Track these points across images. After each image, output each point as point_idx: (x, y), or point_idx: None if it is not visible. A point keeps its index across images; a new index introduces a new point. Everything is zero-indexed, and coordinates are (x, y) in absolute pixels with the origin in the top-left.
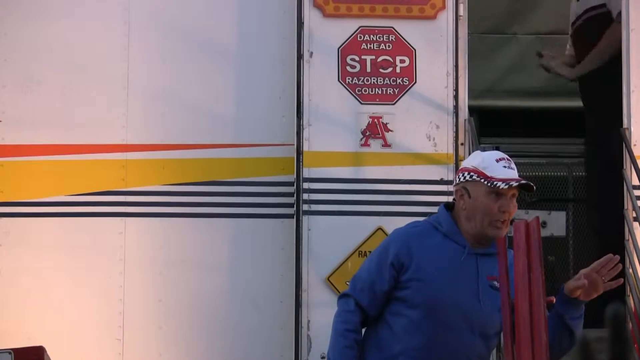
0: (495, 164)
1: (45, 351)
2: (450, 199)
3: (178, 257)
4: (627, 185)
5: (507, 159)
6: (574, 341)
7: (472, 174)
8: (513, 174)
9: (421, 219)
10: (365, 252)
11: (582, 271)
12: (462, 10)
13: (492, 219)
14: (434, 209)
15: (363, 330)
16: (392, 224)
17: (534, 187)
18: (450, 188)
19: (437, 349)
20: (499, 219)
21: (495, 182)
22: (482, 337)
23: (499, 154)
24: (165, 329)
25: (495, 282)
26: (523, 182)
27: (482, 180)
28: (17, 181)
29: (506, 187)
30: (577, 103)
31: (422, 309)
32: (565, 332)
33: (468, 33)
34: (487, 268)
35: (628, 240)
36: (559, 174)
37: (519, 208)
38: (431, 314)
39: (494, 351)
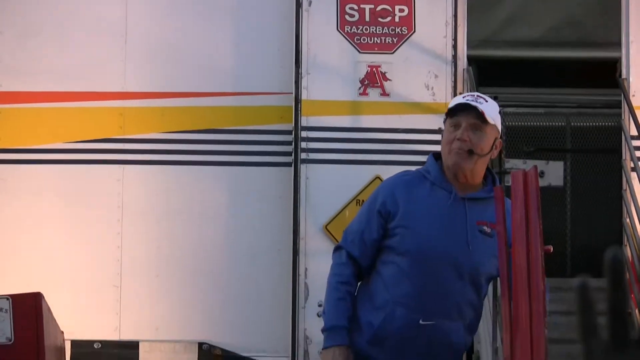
0: (459, 99)
1: (43, 297)
2: None
3: (176, 205)
4: (625, 135)
5: (477, 96)
6: None
7: (445, 115)
8: (470, 100)
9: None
10: (362, 200)
11: None
12: None
13: (450, 148)
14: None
15: (359, 283)
16: (390, 173)
17: (480, 110)
18: None
19: (426, 296)
20: (455, 147)
21: (445, 118)
22: (472, 284)
23: (470, 93)
24: (162, 276)
25: (485, 227)
26: (462, 102)
27: (445, 115)
28: (14, 128)
29: (450, 109)
30: (576, 54)
31: (409, 257)
32: None
33: None
34: (476, 213)
35: (625, 190)
36: (557, 124)
37: (516, 158)
38: (419, 261)
39: (491, 300)
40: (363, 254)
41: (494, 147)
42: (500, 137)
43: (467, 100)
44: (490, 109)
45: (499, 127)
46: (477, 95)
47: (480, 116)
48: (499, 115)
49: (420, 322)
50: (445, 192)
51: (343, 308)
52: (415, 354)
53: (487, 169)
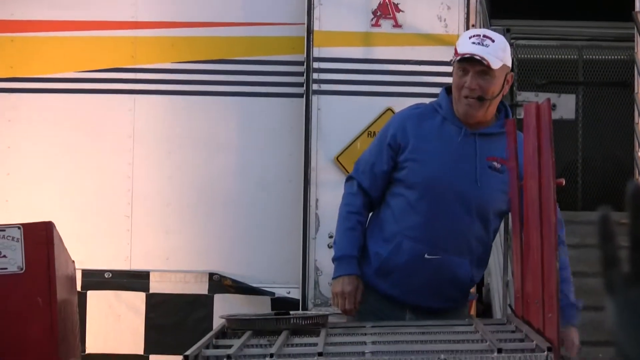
0: (466, 41)
1: (54, 226)
2: None
3: (187, 135)
4: (637, 68)
5: (483, 36)
6: None
7: (453, 53)
8: (475, 49)
9: (432, 99)
10: (374, 132)
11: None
12: None
13: (460, 95)
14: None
15: (371, 213)
16: (402, 105)
17: (487, 62)
18: None
19: (433, 229)
20: (464, 94)
21: (454, 58)
22: (481, 220)
23: (476, 31)
24: (173, 206)
25: (495, 163)
26: (467, 55)
27: (453, 57)
28: (26, 57)
29: (457, 59)
30: None
31: (418, 189)
32: None
33: None
34: (487, 149)
35: (637, 123)
36: (569, 56)
37: (529, 91)
38: (427, 195)
39: (502, 232)
40: (373, 185)
41: (505, 83)
42: (512, 70)
43: (474, 44)
44: (498, 49)
45: (509, 63)
46: (484, 36)
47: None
48: (508, 52)
49: (426, 256)
50: (456, 127)
51: (353, 237)
52: (420, 287)
53: (501, 102)
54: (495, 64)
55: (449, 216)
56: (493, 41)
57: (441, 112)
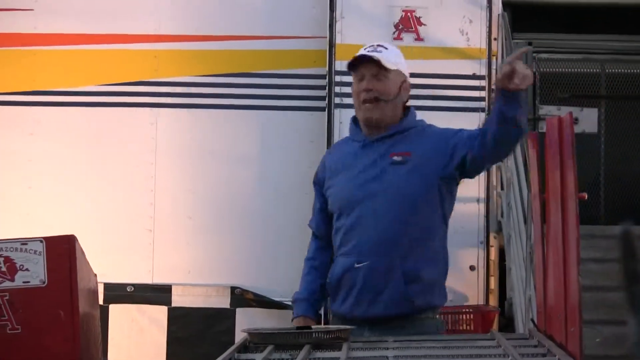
0: (360, 51)
1: (77, 240)
2: (481, 94)
3: (209, 148)
4: None
5: (377, 45)
6: (519, 131)
7: (347, 69)
8: (368, 53)
9: (452, 113)
10: None
11: (504, 64)
12: None
13: (359, 101)
14: (466, 104)
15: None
16: (424, 118)
17: (377, 59)
18: (483, 83)
19: (358, 240)
20: (362, 99)
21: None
22: (400, 215)
23: (370, 44)
24: (195, 219)
25: (395, 157)
26: (360, 54)
27: (347, 69)
28: (50, 70)
29: (350, 63)
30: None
31: (338, 212)
32: (508, 124)
33: None
34: (386, 149)
35: None
36: (592, 70)
37: (551, 104)
38: (345, 213)
39: (524, 247)
40: (321, 225)
41: (402, 89)
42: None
43: (367, 51)
44: (391, 55)
45: (404, 70)
46: (377, 45)
47: (380, 65)
48: (402, 60)
49: (355, 265)
50: (358, 142)
51: (306, 282)
52: (359, 297)
53: (408, 107)
54: (389, 63)
55: (368, 223)
56: (387, 49)
57: (350, 136)
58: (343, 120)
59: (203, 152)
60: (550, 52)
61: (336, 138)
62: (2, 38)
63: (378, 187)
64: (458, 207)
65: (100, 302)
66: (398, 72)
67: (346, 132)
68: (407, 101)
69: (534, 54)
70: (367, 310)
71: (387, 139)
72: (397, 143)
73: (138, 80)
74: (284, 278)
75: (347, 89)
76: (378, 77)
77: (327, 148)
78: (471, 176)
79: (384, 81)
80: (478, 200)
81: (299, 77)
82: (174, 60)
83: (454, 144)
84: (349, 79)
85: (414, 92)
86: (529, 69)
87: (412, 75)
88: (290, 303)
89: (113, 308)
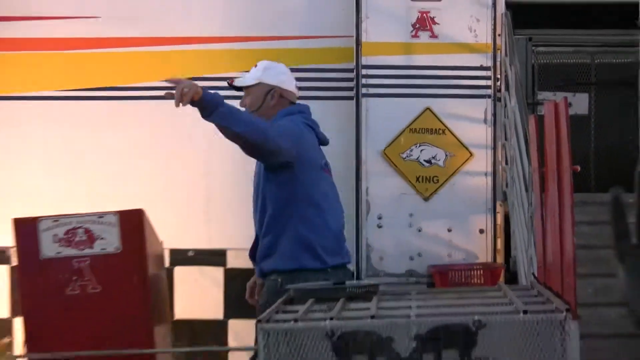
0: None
1: (145, 213)
2: (488, 82)
3: None
4: None
5: (254, 66)
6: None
7: None
8: (237, 78)
9: (462, 100)
10: (415, 129)
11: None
12: None
13: None
14: (474, 91)
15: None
16: (439, 105)
17: (234, 83)
18: (489, 73)
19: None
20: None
21: None
22: (261, 201)
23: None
24: (246, 193)
25: None
26: (228, 82)
27: None
28: (127, 69)
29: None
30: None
31: None
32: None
33: None
34: None
35: None
36: (583, 60)
37: (548, 90)
38: None
39: (526, 212)
40: None
41: (270, 96)
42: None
43: (234, 82)
44: (251, 74)
45: (269, 81)
46: (255, 65)
47: (240, 88)
48: (266, 73)
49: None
50: None
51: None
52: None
53: (282, 110)
54: (245, 83)
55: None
56: (254, 68)
57: None
58: (369, 108)
59: None
60: (547, 46)
61: (364, 123)
62: (83, 42)
63: (256, 185)
64: (469, 180)
65: (166, 265)
66: (260, 85)
67: (373, 118)
68: (277, 104)
69: (533, 47)
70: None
71: None
72: None
73: (202, 75)
74: None
75: (372, 81)
76: (246, 94)
77: (357, 133)
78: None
79: (249, 97)
80: (486, 174)
81: (329, 71)
82: (221, 58)
83: None
84: (373, 72)
85: (430, 82)
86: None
87: (428, 67)
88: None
89: (177, 270)
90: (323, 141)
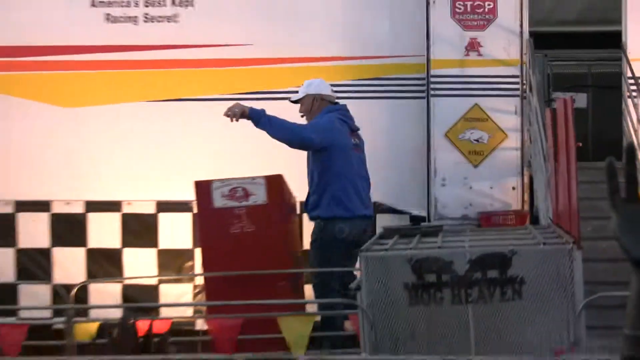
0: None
1: (283, 176)
2: (517, 86)
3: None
4: (623, 77)
5: (301, 87)
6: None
7: None
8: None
9: (499, 98)
10: (467, 118)
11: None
12: None
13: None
14: (508, 92)
15: None
16: (484, 102)
17: (291, 100)
18: (517, 80)
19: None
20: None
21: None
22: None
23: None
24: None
25: None
26: (289, 100)
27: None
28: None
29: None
30: (595, 28)
31: None
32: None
33: None
34: None
35: (624, 109)
36: (583, 71)
37: (559, 91)
38: None
39: (545, 176)
40: None
41: (315, 102)
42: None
43: (291, 99)
44: (300, 91)
45: (311, 92)
46: (301, 86)
47: (295, 101)
48: (309, 88)
49: None
50: None
51: None
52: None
53: (326, 107)
54: (296, 97)
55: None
56: (303, 85)
57: None
58: (435, 104)
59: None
60: (558, 60)
61: (432, 115)
62: (230, 62)
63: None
64: (505, 153)
65: (297, 212)
66: (307, 97)
67: (438, 111)
68: (321, 105)
69: (548, 62)
70: None
71: None
72: None
73: (289, 88)
74: (403, 196)
75: (438, 86)
76: (300, 105)
77: (427, 120)
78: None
79: (302, 106)
80: (516, 149)
81: (407, 79)
82: (317, 74)
83: None
84: (439, 79)
85: (477, 86)
86: (235, 108)
87: (476, 76)
88: (408, 211)
89: (305, 216)
90: (354, 129)
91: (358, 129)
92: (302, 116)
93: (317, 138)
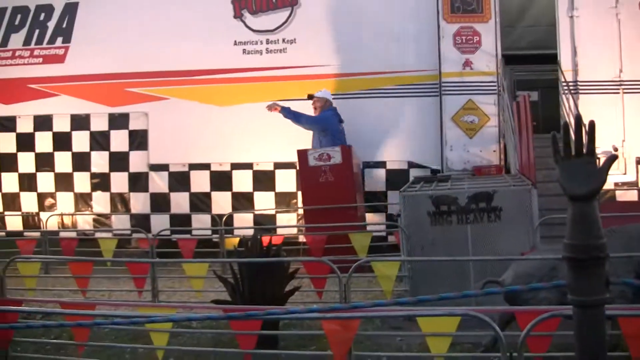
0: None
1: (352, 147)
2: (494, 88)
3: (371, 113)
4: (560, 80)
5: (323, 90)
6: (300, 123)
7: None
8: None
9: (485, 95)
10: (465, 107)
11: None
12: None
13: (314, 109)
14: (490, 91)
15: None
16: (475, 98)
17: (310, 96)
18: (494, 84)
19: None
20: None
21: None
22: None
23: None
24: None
25: None
26: (309, 94)
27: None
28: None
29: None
30: (538, 51)
31: None
32: (298, 124)
33: None
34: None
35: (561, 103)
36: (535, 77)
37: (521, 90)
38: None
39: (516, 140)
40: None
41: (325, 102)
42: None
43: (316, 93)
44: (319, 94)
45: (322, 96)
46: (320, 91)
47: (313, 97)
48: (322, 93)
49: None
50: None
51: None
52: None
53: (327, 107)
54: (316, 96)
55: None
56: (320, 91)
57: None
58: (445, 101)
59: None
60: (520, 72)
61: (443, 105)
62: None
63: None
64: (488, 129)
65: (361, 167)
66: (322, 98)
67: (447, 103)
68: (326, 104)
69: (514, 73)
70: None
71: None
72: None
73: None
74: (428, 156)
75: (446, 88)
76: (317, 101)
77: (440, 109)
78: None
79: (318, 102)
80: (495, 127)
81: (422, 84)
82: (348, 86)
83: None
84: (447, 84)
85: (471, 88)
86: (273, 106)
87: (470, 82)
88: (428, 166)
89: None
90: (341, 121)
91: (343, 121)
92: (314, 108)
93: (319, 125)
